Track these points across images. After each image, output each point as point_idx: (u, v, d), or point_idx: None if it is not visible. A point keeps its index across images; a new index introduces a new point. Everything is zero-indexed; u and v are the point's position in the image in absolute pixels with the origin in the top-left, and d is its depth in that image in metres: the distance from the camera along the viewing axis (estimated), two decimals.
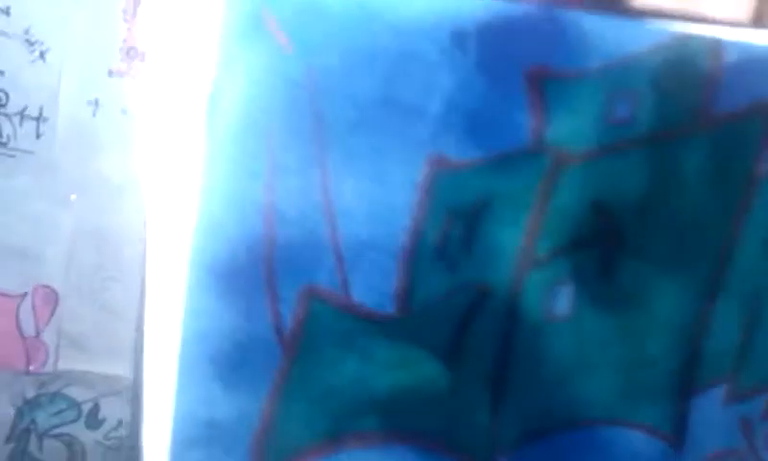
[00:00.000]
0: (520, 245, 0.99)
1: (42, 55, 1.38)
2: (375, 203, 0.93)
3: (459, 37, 0.88)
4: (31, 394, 1.49)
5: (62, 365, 1.49)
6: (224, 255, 0.91)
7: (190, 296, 0.92)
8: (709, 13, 1.01)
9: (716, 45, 0.94)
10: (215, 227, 0.89)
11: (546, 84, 0.92)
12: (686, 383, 1.09)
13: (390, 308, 0.98)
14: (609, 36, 0.92)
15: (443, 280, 0.99)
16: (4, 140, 1.40)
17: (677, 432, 1.11)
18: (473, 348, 1.03)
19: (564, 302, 1.03)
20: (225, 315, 0.94)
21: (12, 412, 1.48)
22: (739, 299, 1.06)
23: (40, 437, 1.51)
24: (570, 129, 0.95)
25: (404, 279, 0.97)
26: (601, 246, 1.01)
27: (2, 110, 1.40)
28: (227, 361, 0.96)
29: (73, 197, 1.45)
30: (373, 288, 0.97)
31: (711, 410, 1.11)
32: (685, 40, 0.94)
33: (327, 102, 0.87)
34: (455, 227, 0.96)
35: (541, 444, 1.09)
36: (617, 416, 1.09)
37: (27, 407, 1.49)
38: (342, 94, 0.87)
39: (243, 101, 0.84)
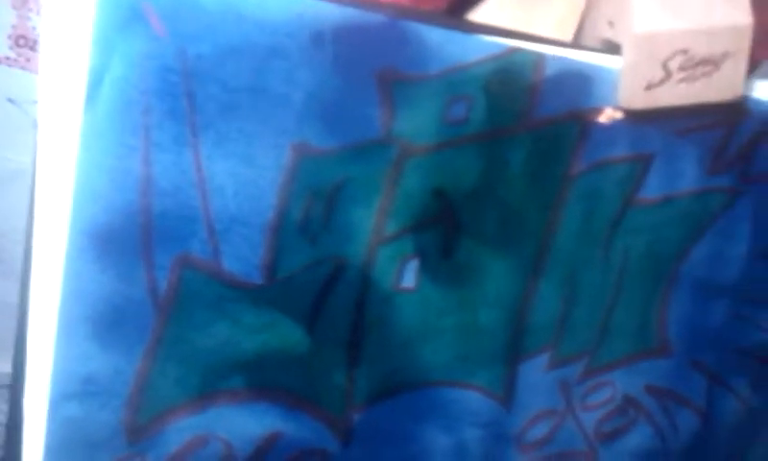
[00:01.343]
0: (372, 224, 1.14)
1: None
2: (244, 182, 1.05)
3: (317, 38, 1.02)
4: None
5: None
6: (102, 222, 1.00)
7: (69, 259, 1.01)
8: (537, 32, 1.20)
9: (539, 59, 1.13)
10: (94, 195, 0.99)
11: (393, 84, 1.08)
12: (515, 351, 1.27)
13: (257, 278, 1.11)
14: (448, 47, 1.09)
15: (304, 254, 1.12)
16: None
17: (507, 394, 1.28)
18: (331, 315, 1.16)
19: (410, 275, 1.18)
20: (102, 278, 1.03)
21: None
22: (558, 279, 1.25)
23: None
24: (414, 125, 1.11)
25: (270, 251, 1.10)
26: (441, 227, 1.17)
27: None
28: (103, 321, 1.05)
29: None
30: (242, 259, 1.09)
31: (536, 375, 1.29)
32: (513, 54, 1.12)
33: (199, 86, 0.99)
34: (315, 207, 1.10)
35: (391, 402, 1.23)
36: (456, 378, 1.25)
37: None
38: (213, 80, 0.99)
39: (120, 82, 0.95)
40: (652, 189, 1.25)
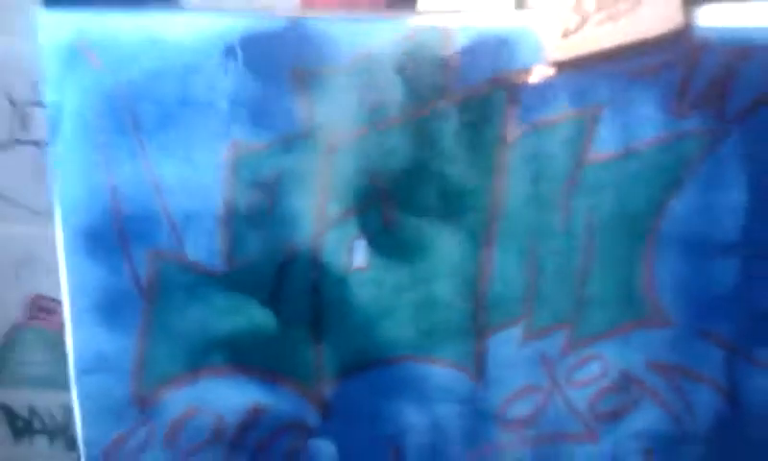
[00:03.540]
0: (314, 210, 1.24)
1: None
2: (191, 182, 1.23)
3: (229, 50, 1.17)
4: None
5: None
6: (87, 225, 1.25)
7: (67, 257, 1.27)
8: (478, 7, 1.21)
9: (446, 32, 1.15)
10: (75, 204, 1.24)
11: (309, 79, 1.18)
12: (480, 323, 1.25)
13: (219, 265, 1.27)
14: (354, 37, 1.17)
15: (257, 241, 1.26)
16: None
17: (478, 368, 1.27)
18: (290, 296, 1.28)
19: (359, 255, 1.25)
20: (95, 272, 1.27)
21: None
22: (515, 248, 1.22)
23: None
24: (336, 114, 1.19)
25: (226, 241, 1.26)
26: (380, 207, 1.23)
27: None
28: (104, 308, 1.29)
29: None
30: (203, 249, 1.26)
31: (509, 349, 1.26)
32: (419, 32, 1.16)
33: (138, 106, 1.19)
34: (257, 198, 1.24)
35: (362, 377, 1.30)
36: (422, 353, 1.28)
37: None
38: (147, 99, 1.19)
39: (76, 111, 1.19)
40: (607, 144, 1.16)
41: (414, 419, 1.30)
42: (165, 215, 1.25)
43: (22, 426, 2.06)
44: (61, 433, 2.02)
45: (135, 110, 1.20)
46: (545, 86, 1.16)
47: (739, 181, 1.15)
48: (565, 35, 1.11)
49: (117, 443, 1.36)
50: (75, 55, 1.18)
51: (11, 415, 2.04)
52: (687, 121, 1.14)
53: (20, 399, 2.02)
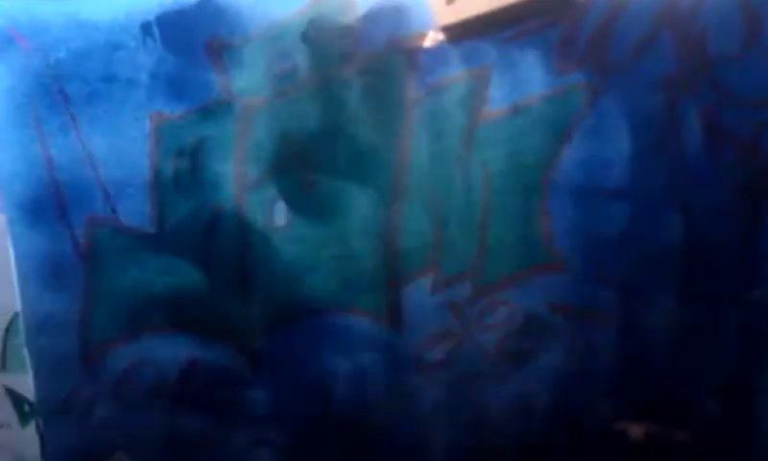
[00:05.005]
0: (233, 173, 1.33)
1: None
2: (120, 151, 1.33)
3: (146, 28, 1.26)
4: None
5: None
6: (27, 196, 1.35)
7: (11, 226, 1.37)
8: None
9: (350, 1, 1.23)
10: (15, 176, 1.34)
11: (222, 50, 1.27)
12: (393, 275, 1.34)
13: (150, 229, 1.37)
14: (262, 8, 1.25)
15: (184, 204, 1.35)
16: None
17: (394, 317, 1.36)
18: (219, 255, 1.37)
19: (280, 215, 1.34)
20: (38, 239, 1.38)
21: None
22: (421, 203, 1.30)
23: None
24: (249, 82, 1.28)
25: (155, 206, 1.36)
26: (297, 169, 1.32)
27: None
28: (49, 273, 1.40)
29: None
30: (135, 214, 1.36)
31: (421, 297, 1.35)
32: (323, 1, 1.24)
33: (66, 83, 1.29)
34: (182, 164, 1.33)
35: (292, 328, 1.39)
36: (343, 304, 1.37)
37: None
38: (74, 77, 1.29)
39: (9, 92, 1.30)
40: (497, 101, 1.25)
41: (338, 366, 1.39)
42: (99, 184, 1.35)
43: (28, 411, 2.15)
44: None
45: (64, 88, 1.30)
46: (439, 50, 1.24)
47: (622, 130, 1.23)
48: (449, 1, 1.19)
49: (68, 398, 1.47)
50: (5, 40, 1.28)
51: (17, 399, 2.13)
52: (571, 76, 1.22)
53: (26, 383, 2.10)
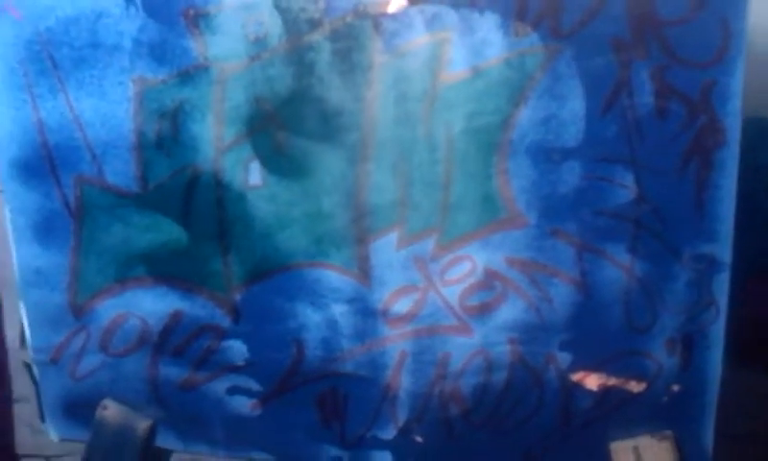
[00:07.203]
0: (211, 135, 1.41)
1: None
2: (105, 114, 1.41)
3: None
4: None
5: None
6: (21, 156, 1.45)
7: (6, 184, 1.47)
8: None
9: None
10: (10, 137, 1.43)
11: (198, 18, 1.35)
12: (361, 231, 1.41)
13: (135, 188, 1.46)
14: None
15: (166, 165, 1.44)
16: None
17: (362, 271, 1.43)
18: (198, 213, 1.46)
19: (255, 174, 1.42)
20: (30, 196, 1.47)
21: None
22: (387, 163, 1.37)
23: None
24: (224, 48, 1.36)
25: (139, 166, 1.44)
26: (270, 130, 1.39)
27: None
28: (40, 228, 1.49)
29: None
30: (120, 174, 1.45)
31: (388, 253, 1.42)
32: None
33: (55, 50, 1.38)
34: (163, 126, 1.41)
35: (265, 283, 1.48)
36: (315, 259, 1.45)
37: None
38: (63, 44, 1.37)
39: (3, 58, 1.39)
40: (458, 64, 1.31)
41: (311, 317, 1.47)
42: (86, 145, 1.44)
43: None
44: None
45: (53, 54, 1.39)
46: (403, 15, 1.31)
47: (577, 91, 1.29)
48: None
49: (60, 348, 1.56)
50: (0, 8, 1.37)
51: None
52: (527, 39, 1.28)
53: None
